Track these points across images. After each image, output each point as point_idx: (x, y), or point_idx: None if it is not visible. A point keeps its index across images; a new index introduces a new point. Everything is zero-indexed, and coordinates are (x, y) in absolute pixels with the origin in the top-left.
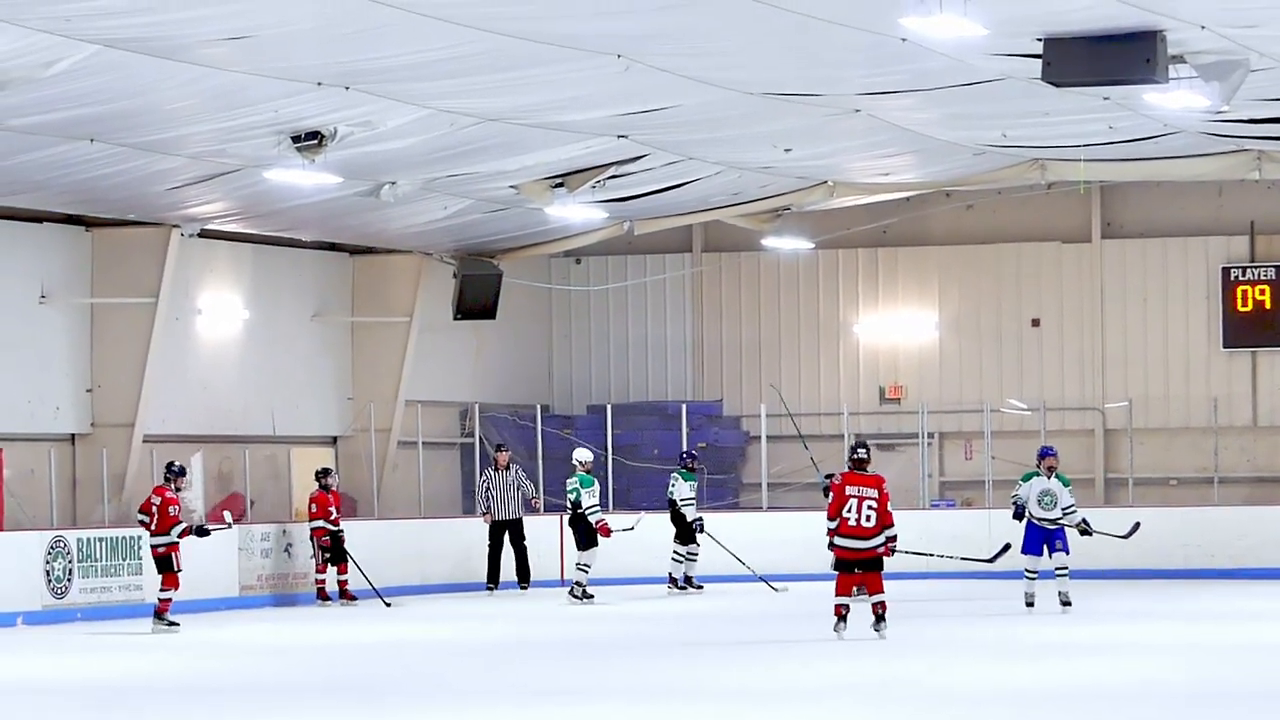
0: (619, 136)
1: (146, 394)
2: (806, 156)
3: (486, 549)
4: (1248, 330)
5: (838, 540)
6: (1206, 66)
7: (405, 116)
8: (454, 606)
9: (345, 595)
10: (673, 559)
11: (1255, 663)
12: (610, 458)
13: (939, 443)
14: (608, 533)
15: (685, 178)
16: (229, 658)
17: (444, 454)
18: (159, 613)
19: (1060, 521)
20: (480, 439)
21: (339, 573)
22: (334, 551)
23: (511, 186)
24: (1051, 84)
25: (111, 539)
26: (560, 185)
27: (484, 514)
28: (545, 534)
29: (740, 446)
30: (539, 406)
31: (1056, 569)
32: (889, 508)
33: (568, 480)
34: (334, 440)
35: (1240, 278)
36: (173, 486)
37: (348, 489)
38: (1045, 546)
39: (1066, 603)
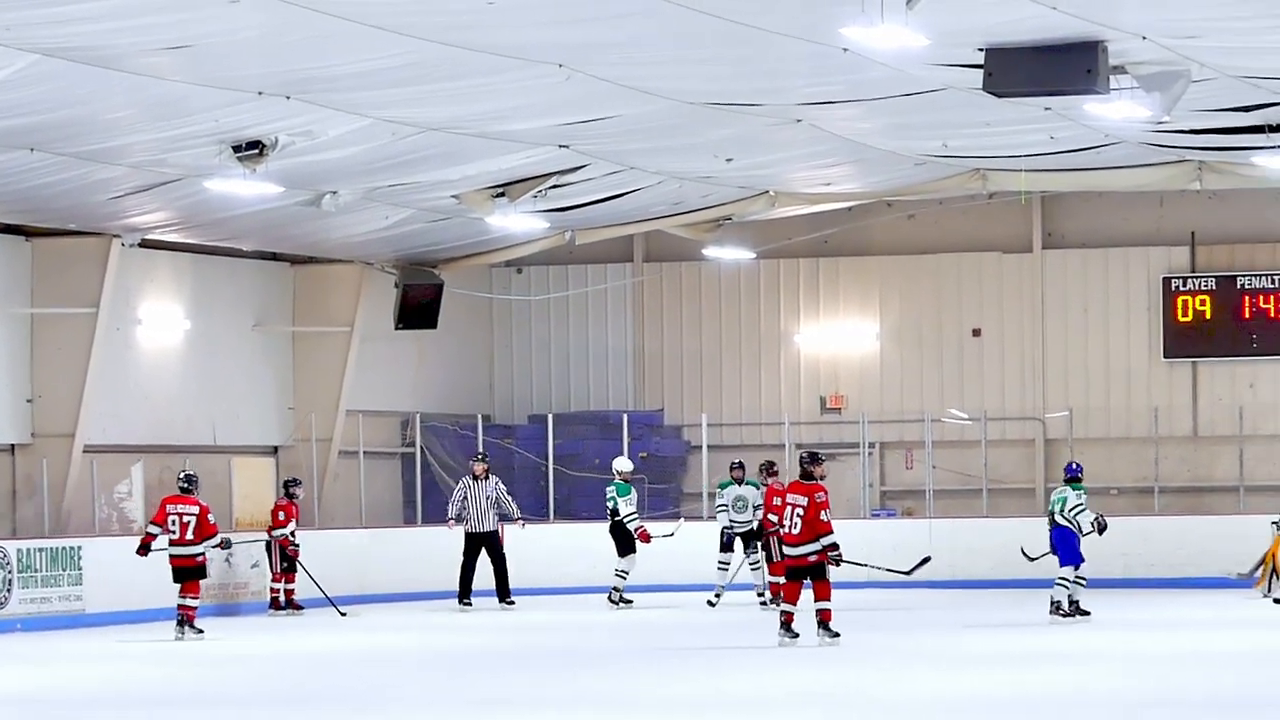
0: (560, 146)
1: (87, 404)
2: (748, 166)
3: (460, 561)
4: (1188, 340)
5: (784, 549)
6: (1148, 77)
7: (346, 126)
8: (405, 617)
9: (292, 605)
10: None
11: (1194, 672)
12: (551, 467)
13: (880, 452)
14: (647, 538)
15: (626, 187)
16: (175, 668)
17: (385, 464)
18: (188, 620)
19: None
20: (421, 449)
21: (287, 582)
22: (288, 561)
23: (453, 196)
24: (993, 94)
25: (51, 549)
26: (501, 195)
27: (449, 520)
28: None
29: (681, 456)
30: (480, 416)
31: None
32: (824, 516)
33: (606, 489)
34: (275, 450)
35: (1181, 288)
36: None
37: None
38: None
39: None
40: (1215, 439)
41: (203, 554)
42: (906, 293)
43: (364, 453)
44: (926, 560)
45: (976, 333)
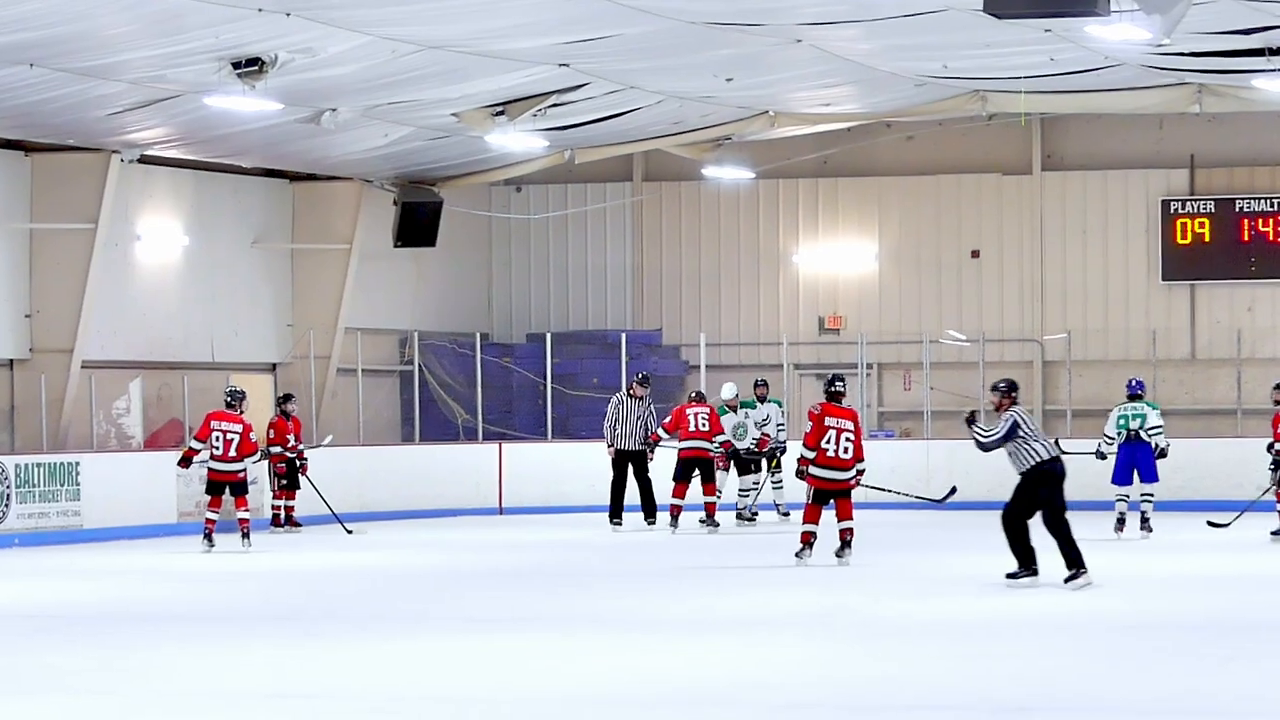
0: (560, 65)
1: (85, 320)
2: (748, 86)
3: (610, 480)
4: (1187, 263)
5: (815, 470)
6: None
7: (346, 43)
8: (401, 534)
9: (291, 522)
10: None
11: (1192, 594)
12: (550, 386)
13: (878, 373)
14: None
15: (626, 107)
16: (175, 584)
17: (383, 381)
18: (246, 532)
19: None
20: (420, 366)
21: (287, 499)
22: (288, 478)
23: (452, 114)
24: (993, 15)
25: (50, 465)
26: (501, 113)
27: (609, 447)
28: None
29: (679, 375)
30: (478, 334)
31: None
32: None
33: (732, 418)
34: (273, 367)
35: (1180, 211)
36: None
37: (296, 416)
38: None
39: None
40: (1213, 362)
41: (243, 470)
42: (905, 214)
43: (362, 370)
44: (954, 490)
45: (975, 254)
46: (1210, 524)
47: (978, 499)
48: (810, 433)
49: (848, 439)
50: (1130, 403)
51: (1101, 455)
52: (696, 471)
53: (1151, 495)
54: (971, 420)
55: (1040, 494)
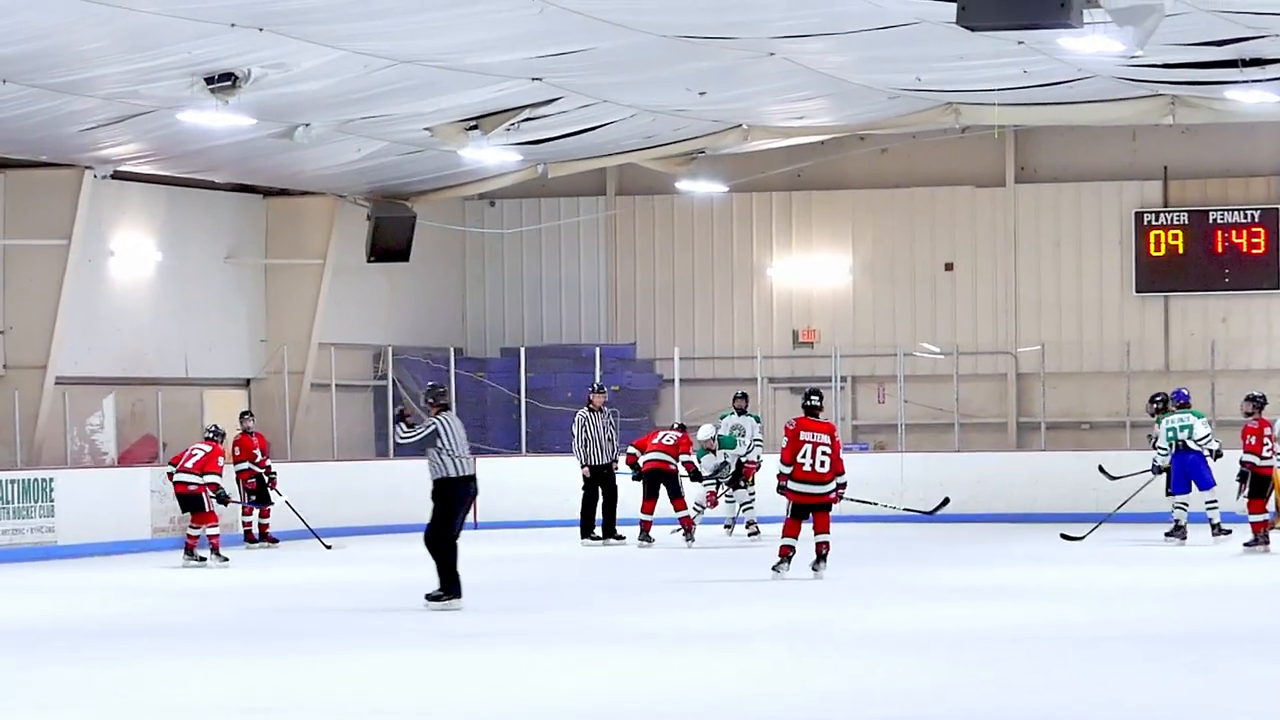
0: (533, 79)
1: (59, 336)
2: (721, 100)
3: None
4: (1160, 275)
5: (793, 485)
6: (1121, 11)
7: (319, 58)
8: (376, 549)
9: (267, 538)
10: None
11: (1159, 604)
12: (524, 400)
13: (852, 386)
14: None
15: (599, 120)
16: (148, 599)
17: (357, 396)
18: (213, 549)
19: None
20: (394, 381)
21: (261, 515)
22: (259, 493)
23: (425, 129)
24: (966, 28)
25: (24, 481)
26: (474, 128)
27: (583, 466)
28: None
29: (654, 389)
30: (452, 349)
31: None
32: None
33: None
34: (247, 383)
35: (1153, 222)
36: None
37: (259, 431)
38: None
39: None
40: (1187, 373)
41: (198, 486)
42: (879, 227)
43: (336, 385)
44: (946, 501)
45: (949, 267)
46: (1064, 537)
47: (951, 511)
48: (786, 448)
49: (824, 453)
50: (1179, 413)
51: (1159, 469)
52: (663, 487)
53: (1215, 502)
54: (400, 417)
55: (441, 508)
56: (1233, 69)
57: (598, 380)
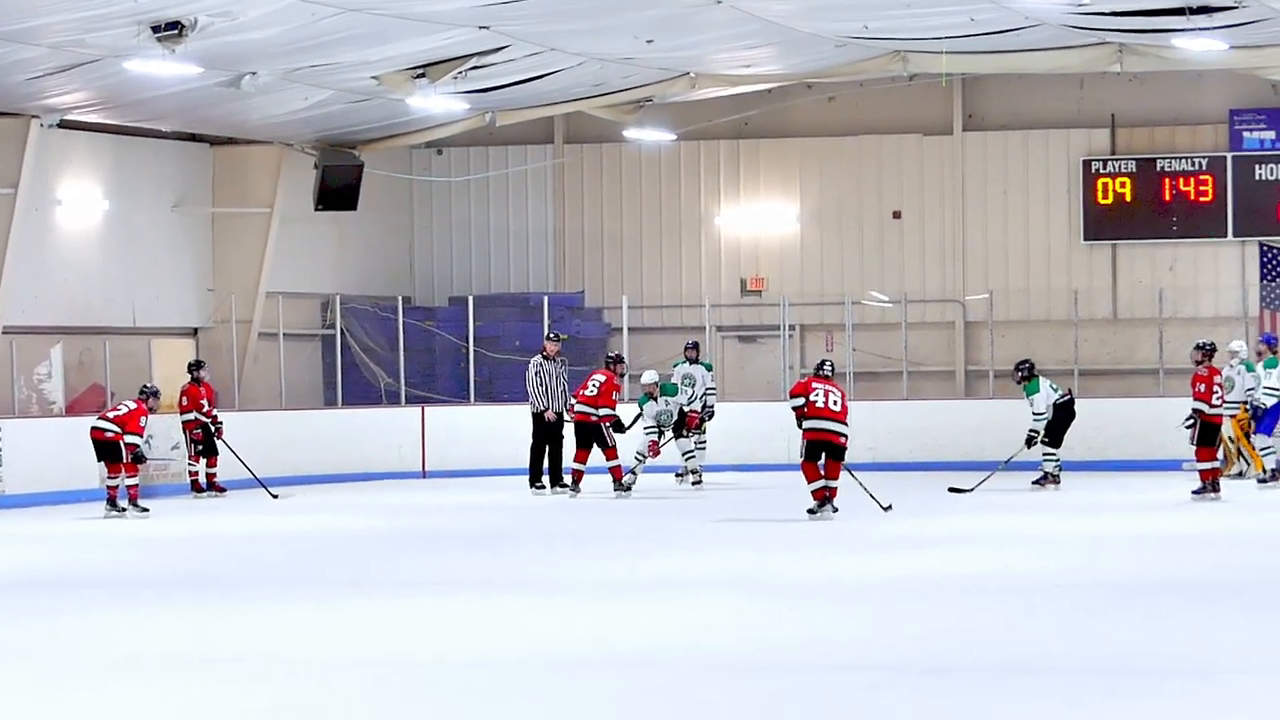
0: (480, 27)
1: (6, 285)
2: (669, 48)
3: (530, 444)
4: (1108, 223)
5: (809, 423)
6: None
7: (265, 7)
8: (324, 499)
9: (214, 487)
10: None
11: (1109, 553)
12: (472, 349)
13: (800, 335)
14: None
15: (547, 69)
16: (94, 549)
17: (305, 345)
18: (131, 499)
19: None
20: (341, 330)
21: (209, 465)
22: (205, 443)
23: (373, 77)
24: None
25: None
26: (422, 76)
27: (546, 412)
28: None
29: (602, 338)
30: (400, 298)
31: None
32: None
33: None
34: (195, 332)
35: (1101, 170)
36: (148, 404)
37: (208, 381)
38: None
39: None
40: (1135, 321)
41: (115, 434)
42: (827, 175)
43: (284, 334)
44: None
45: (897, 215)
46: (951, 489)
47: (900, 459)
48: (795, 386)
49: (835, 397)
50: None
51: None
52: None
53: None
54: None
55: None
56: (1180, 16)
57: (549, 329)
